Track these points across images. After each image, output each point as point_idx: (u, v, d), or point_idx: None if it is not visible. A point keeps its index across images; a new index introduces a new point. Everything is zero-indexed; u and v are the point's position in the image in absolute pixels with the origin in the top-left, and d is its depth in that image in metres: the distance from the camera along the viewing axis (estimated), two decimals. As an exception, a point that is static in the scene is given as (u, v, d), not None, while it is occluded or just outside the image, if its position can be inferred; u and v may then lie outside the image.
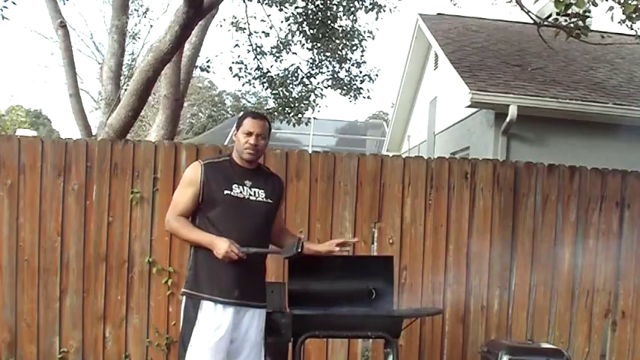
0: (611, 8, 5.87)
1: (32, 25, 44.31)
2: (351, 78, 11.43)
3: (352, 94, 11.50)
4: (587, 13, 6.21)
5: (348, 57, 11.26)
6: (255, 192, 3.37)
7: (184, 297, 3.34)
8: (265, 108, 12.09)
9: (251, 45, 11.10)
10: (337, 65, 11.32)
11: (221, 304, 3.25)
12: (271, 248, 3.48)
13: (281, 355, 3.68)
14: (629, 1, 5.06)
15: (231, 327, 3.27)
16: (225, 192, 3.30)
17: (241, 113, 5.29)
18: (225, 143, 15.01)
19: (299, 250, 3.33)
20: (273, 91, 11.19)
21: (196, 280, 3.30)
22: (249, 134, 3.35)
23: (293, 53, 11.18)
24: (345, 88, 11.38)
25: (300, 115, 11.16)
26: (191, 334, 3.24)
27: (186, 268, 3.39)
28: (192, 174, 3.36)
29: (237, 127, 3.40)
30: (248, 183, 3.37)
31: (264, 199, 3.40)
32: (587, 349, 5.33)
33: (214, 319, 3.24)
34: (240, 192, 3.34)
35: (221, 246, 3.19)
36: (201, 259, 3.29)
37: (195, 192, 3.31)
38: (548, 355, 4.17)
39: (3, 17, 7.51)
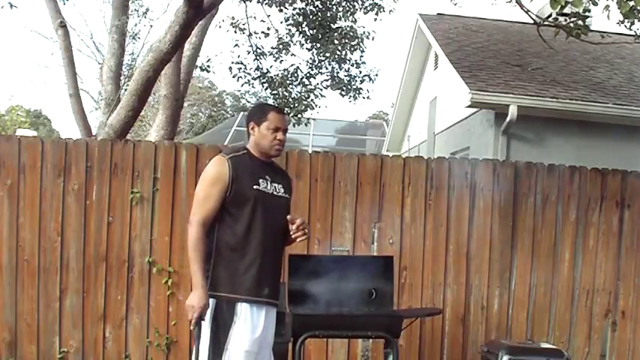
0: (607, 7, 5.86)
1: (32, 25, 44.39)
2: (350, 78, 11.43)
3: (352, 95, 11.49)
4: (586, 13, 6.20)
5: (348, 57, 11.26)
6: (275, 187, 3.27)
7: (214, 300, 3.09)
8: (265, 108, 12.04)
9: (251, 45, 11.11)
10: (337, 65, 11.32)
11: (256, 305, 3.13)
12: None
13: (281, 355, 3.69)
14: (626, 0, 5.05)
15: (263, 327, 3.18)
16: (255, 187, 3.17)
17: (257, 105, 5.04)
18: (226, 143, 15.01)
19: None
20: (273, 92, 11.18)
21: (231, 281, 3.13)
22: (277, 130, 3.23)
23: (292, 55, 11.18)
24: (344, 88, 11.38)
25: (299, 116, 11.15)
26: (227, 337, 3.07)
27: (208, 269, 3.13)
28: (220, 169, 3.14)
29: (258, 121, 3.25)
30: (268, 178, 3.24)
31: (284, 194, 3.31)
32: (587, 349, 5.33)
33: (252, 321, 3.12)
34: (266, 187, 3.21)
35: (197, 300, 3.02)
36: (230, 260, 3.13)
37: (224, 188, 3.11)
38: (548, 355, 4.18)
39: (11, 5, 7.59)
